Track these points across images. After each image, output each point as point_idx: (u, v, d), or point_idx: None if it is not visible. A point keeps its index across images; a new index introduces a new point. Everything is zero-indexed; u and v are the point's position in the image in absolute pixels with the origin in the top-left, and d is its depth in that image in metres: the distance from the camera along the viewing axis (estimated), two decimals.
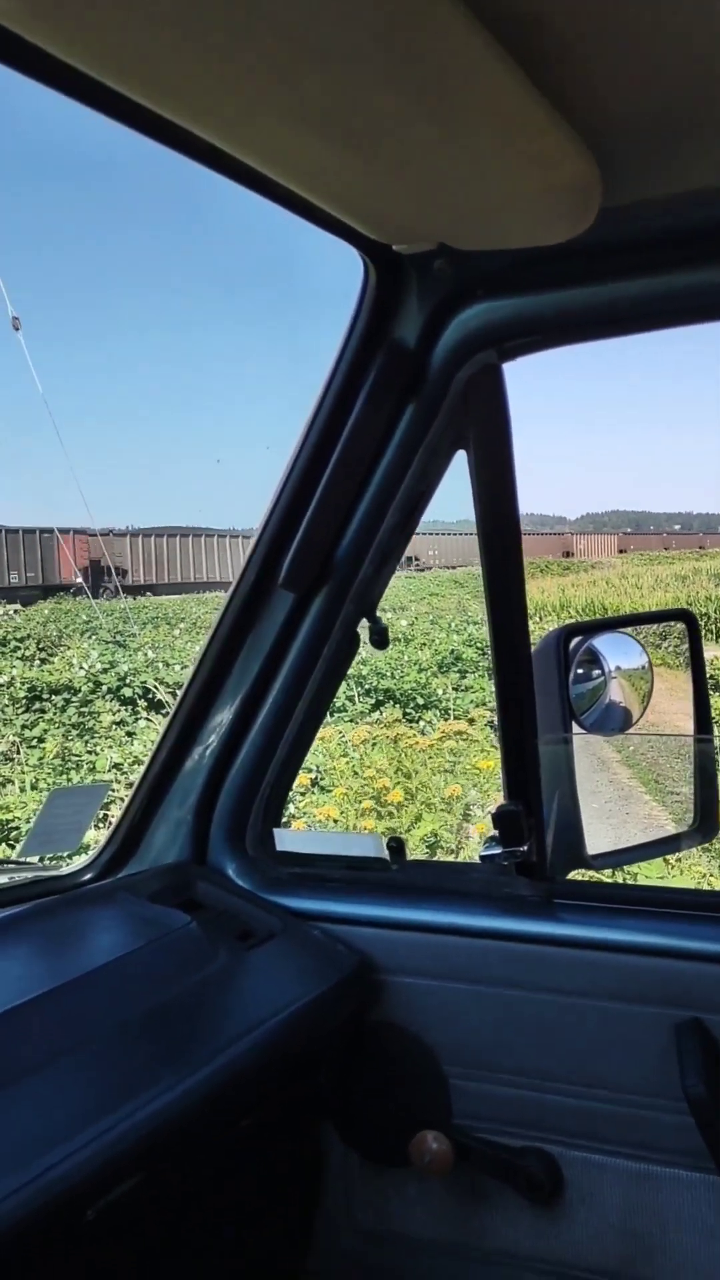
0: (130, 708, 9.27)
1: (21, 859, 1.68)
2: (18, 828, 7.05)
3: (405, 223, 1.20)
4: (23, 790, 7.61)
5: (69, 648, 10.85)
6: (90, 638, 11.34)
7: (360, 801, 5.86)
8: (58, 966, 1.39)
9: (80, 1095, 1.15)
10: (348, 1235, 1.60)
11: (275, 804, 1.70)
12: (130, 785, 6.04)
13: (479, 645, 10.68)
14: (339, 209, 1.15)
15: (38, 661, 10.67)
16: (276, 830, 1.70)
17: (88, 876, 1.70)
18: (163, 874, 1.66)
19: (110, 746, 8.31)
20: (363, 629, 1.61)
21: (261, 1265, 1.48)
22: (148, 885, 1.62)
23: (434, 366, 1.42)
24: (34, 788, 7.57)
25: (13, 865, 1.72)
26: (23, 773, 7.88)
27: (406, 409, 1.44)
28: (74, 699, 9.33)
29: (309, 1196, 1.56)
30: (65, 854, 1.74)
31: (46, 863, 1.73)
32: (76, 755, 8.09)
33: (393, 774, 6.13)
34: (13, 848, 6.88)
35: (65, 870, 1.72)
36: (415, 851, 5.32)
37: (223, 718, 1.65)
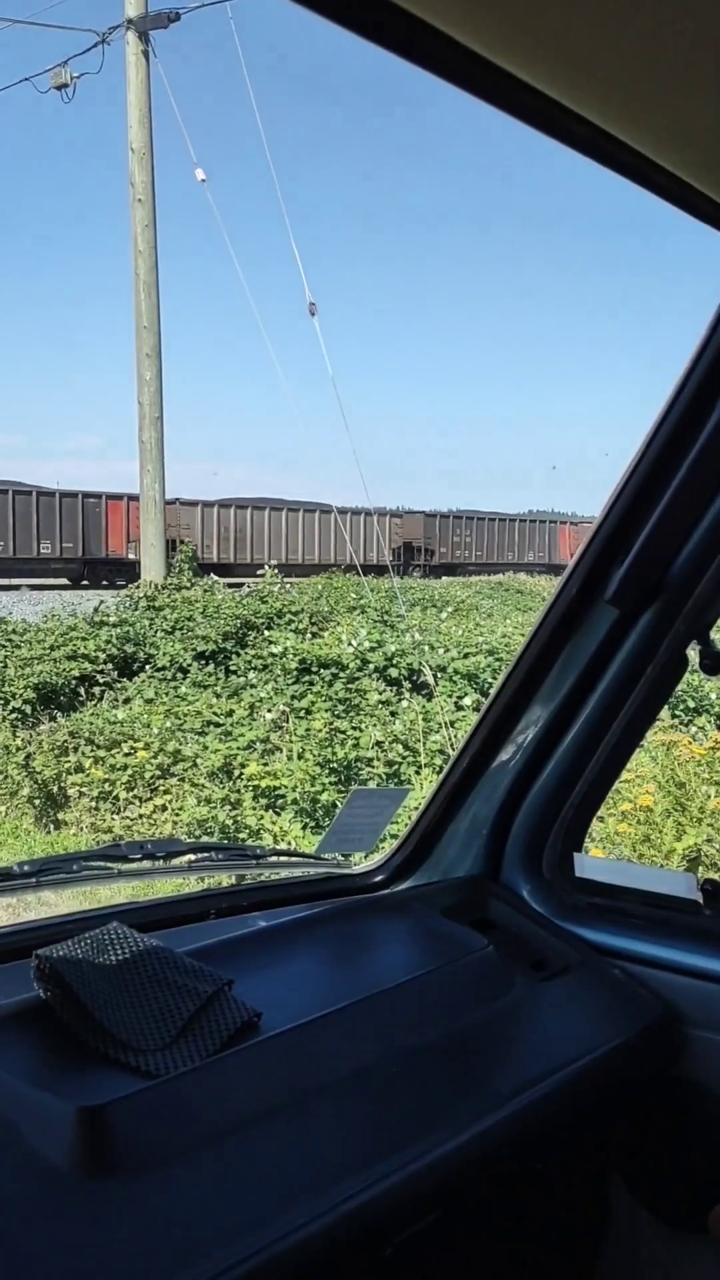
0: (395, 688, 9.40)
1: (317, 855, 1.70)
2: (283, 795, 7.35)
3: None
4: (289, 759, 7.90)
5: (338, 624, 11.16)
6: (359, 615, 11.61)
7: (618, 805, 5.63)
8: (356, 977, 1.38)
9: (380, 1119, 1.12)
10: None
11: (578, 827, 1.62)
12: (389, 764, 6.08)
13: None
14: (707, 184, 1.03)
15: (309, 635, 11.06)
16: (576, 855, 1.62)
17: (379, 878, 1.69)
18: (456, 888, 1.62)
19: (374, 724, 8.46)
20: (693, 651, 1.49)
21: None
22: (441, 898, 1.59)
23: None
24: (300, 757, 7.84)
25: (307, 859, 1.74)
26: (290, 742, 8.19)
27: None
28: (341, 675, 9.58)
29: (593, 1249, 1.48)
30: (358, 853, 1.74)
31: (338, 859, 1.74)
32: (342, 731, 8.29)
33: (663, 781, 5.84)
34: (279, 814, 7.19)
35: (356, 869, 1.72)
36: (670, 864, 5.04)
37: (529, 731, 1.58)
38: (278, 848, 5.06)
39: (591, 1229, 1.50)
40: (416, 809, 1.69)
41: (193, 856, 1.56)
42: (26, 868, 1.40)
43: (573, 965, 1.46)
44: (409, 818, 1.86)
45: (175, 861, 1.54)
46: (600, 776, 1.58)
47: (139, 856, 1.49)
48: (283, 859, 1.72)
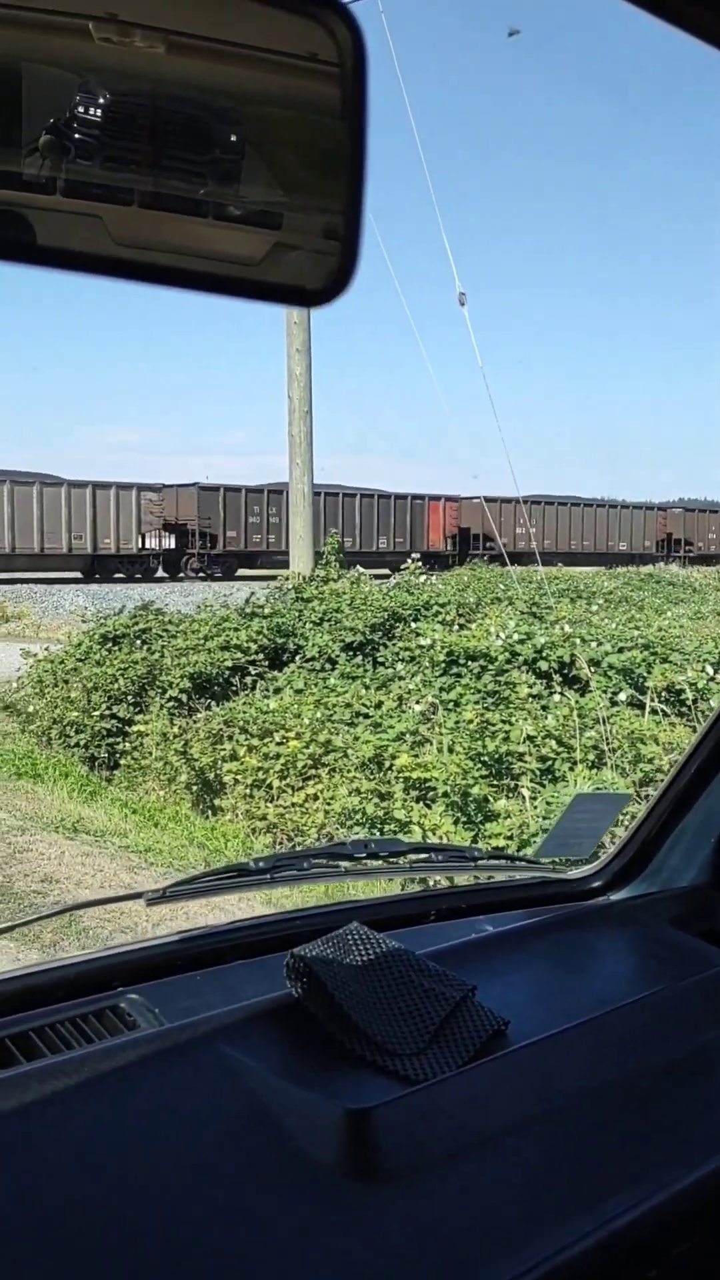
0: (545, 681, 9.26)
1: (533, 859, 1.68)
2: (434, 788, 7.34)
3: None
4: (440, 751, 7.89)
5: (486, 615, 11.07)
6: (508, 606, 11.49)
7: None
8: (595, 988, 1.35)
9: (637, 1136, 1.09)
10: None
11: None
12: (542, 760, 5.95)
13: None
14: None
15: (456, 627, 11.01)
16: None
17: (597, 884, 1.66)
18: (684, 898, 1.57)
19: (525, 718, 8.36)
20: None
21: None
22: (669, 908, 1.54)
23: None
24: (450, 750, 7.81)
25: (523, 863, 1.72)
26: (440, 734, 8.17)
27: None
28: (490, 667, 9.50)
29: None
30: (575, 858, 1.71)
31: (554, 864, 1.71)
32: (492, 724, 8.23)
33: None
34: (429, 807, 7.19)
35: (573, 875, 1.69)
36: None
37: None
38: (493, 850, 5.06)
39: None
40: (630, 815, 1.65)
41: (414, 857, 1.56)
42: (261, 864, 1.43)
43: None
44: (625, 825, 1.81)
45: (397, 862, 1.54)
46: None
47: (364, 856, 1.50)
48: (499, 862, 1.70)
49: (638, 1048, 1.22)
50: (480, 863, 1.65)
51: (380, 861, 1.52)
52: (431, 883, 1.79)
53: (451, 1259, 0.91)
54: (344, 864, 1.48)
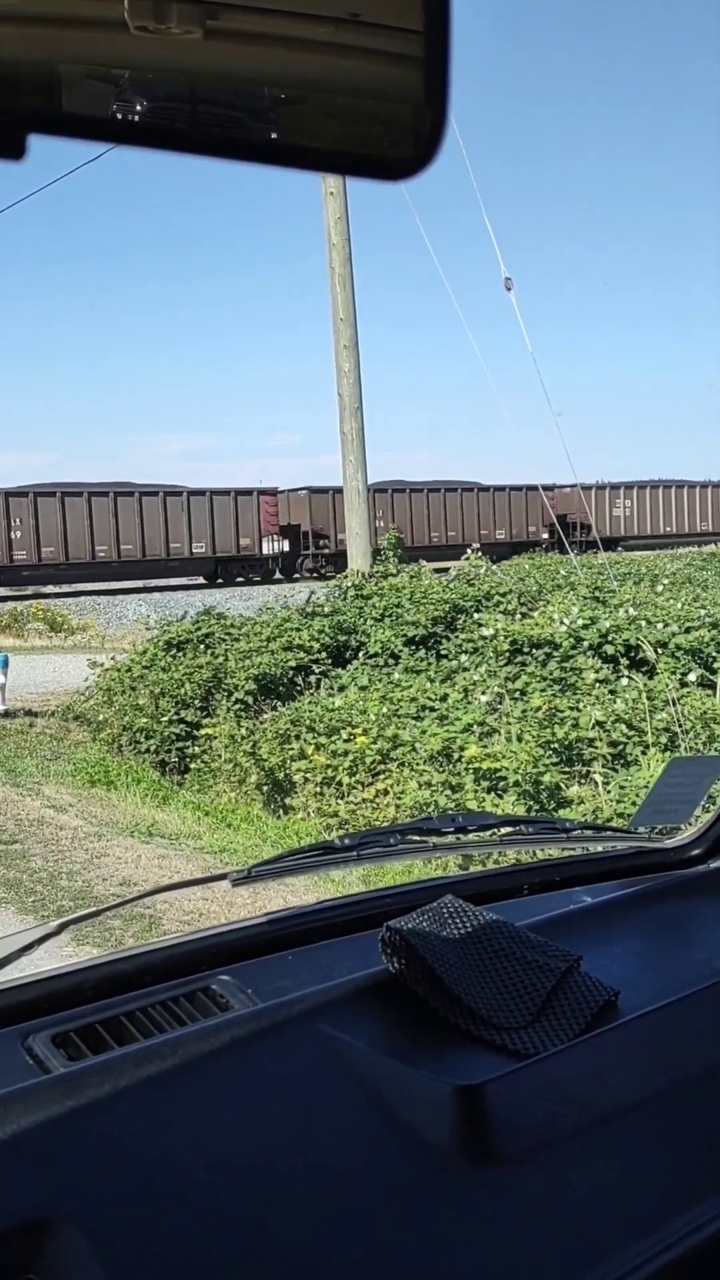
0: (612, 665, 9.11)
1: (628, 829, 1.61)
2: (504, 777, 7.26)
3: None
4: (508, 740, 7.80)
5: (549, 602, 10.93)
6: (570, 592, 11.34)
7: None
8: (703, 957, 1.28)
9: None
10: None
11: None
12: (613, 744, 5.88)
13: None
14: None
15: (519, 615, 10.89)
16: None
17: (696, 852, 1.59)
18: None
19: (593, 704, 8.24)
20: None
21: None
22: None
23: None
24: (519, 739, 7.72)
25: (618, 833, 1.66)
26: (508, 724, 8.08)
27: None
28: (555, 654, 9.39)
29: None
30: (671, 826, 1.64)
31: (649, 833, 1.64)
32: (560, 710, 8.12)
33: None
34: (501, 797, 7.11)
35: (669, 844, 1.62)
36: None
37: None
38: (586, 821, 4.98)
39: None
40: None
41: (504, 830, 1.50)
42: (348, 841, 1.39)
43: None
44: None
45: (485, 835, 1.49)
46: None
47: (451, 830, 1.45)
48: (592, 833, 1.64)
49: None
50: (573, 834, 1.60)
51: (469, 835, 1.47)
52: (523, 856, 1.73)
53: (581, 1241, 0.85)
54: (432, 839, 1.44)
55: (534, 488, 29.61)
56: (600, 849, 1.61)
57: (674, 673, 8.59)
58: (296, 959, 1.26)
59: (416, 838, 1.43)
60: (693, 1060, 1.06)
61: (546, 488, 29.40)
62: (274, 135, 0.51)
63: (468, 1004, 1.10)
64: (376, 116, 0.52)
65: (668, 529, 32.33)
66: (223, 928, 1.31)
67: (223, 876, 1.34)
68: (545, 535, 29.73)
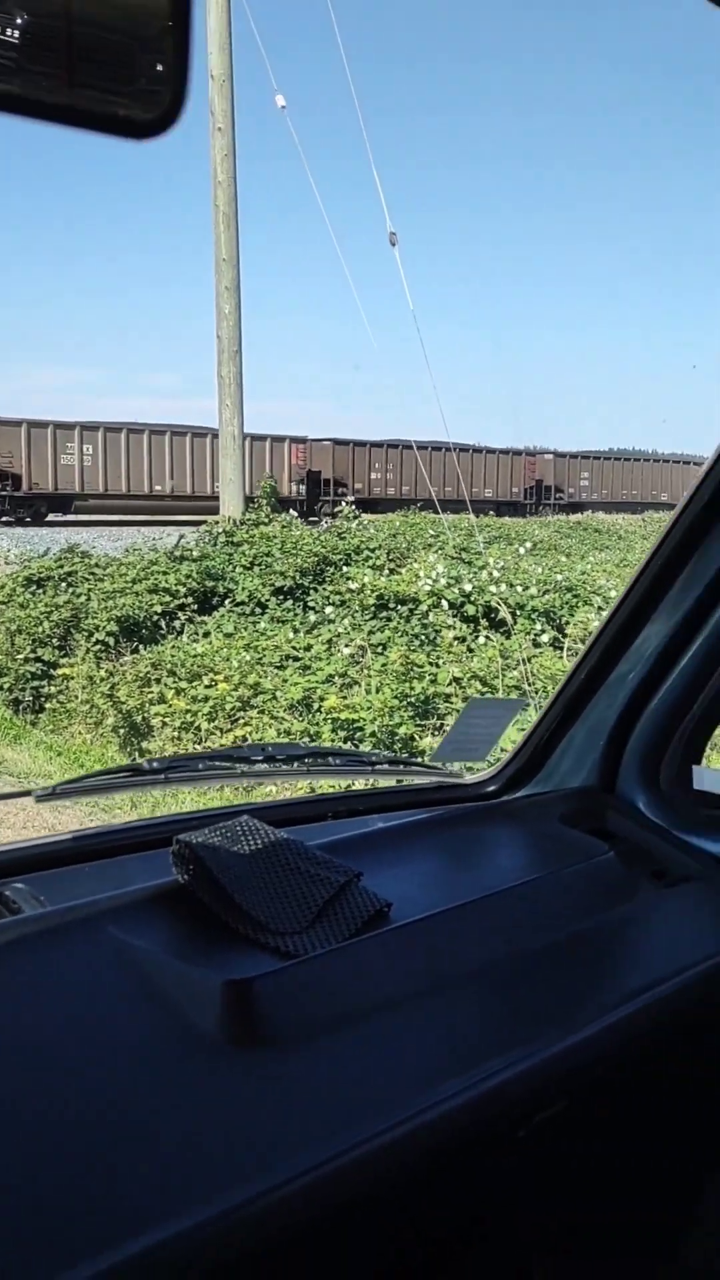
0: (472, 625, 9.37)
1: (431, 763, 1.71)
2: (361, 728, 7.42)
3: None
4: (367, 693, 7.96)
5: (416, 560, 11.12)
6: (435, 552, 11.54)
7: None
8: (482, 877, 1.39)
9: (514, 1009, 1.14)
10: None
11: (699, 740, 1.60)
12: (467, 700, 6.09)
13: None
14: None
15: (387, 571, 11.05)
16: (695, 768, 1.61)
17: (492, 788, 1.70)
18: (572, 797, 1.62)
19: (452, 660, 8.47)
20: None
21: (652, 1212, 1.44)
22: (558, 806, 1.59)
23: None
24: (377, 691, 7.88)
25: (422, 768, 1.75)
26: (368, 676, 8.24)
27: None
28: (418, 611, 9.59)
29: (709, 1152, 1.49)
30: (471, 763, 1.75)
31: (451, 769, 1.75)
32: (418, 665, 8.32)
33: None
34: (357, 746, 7.26)
35: (469, 779, 1.73)
36: None
37: (651, 644, 1.56)
38: (392, 755, 5.12)
39: (707, 1133, 1.51)
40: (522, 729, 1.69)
41: (311, 761, 1.58)
42: (155, 764, 1.44)
43: (694, 875, 1.46)
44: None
45: (294, 765, 1.56)
46: None
47: (260, 759, 1.52)
48: (397, 767, 1.73)
49: (520, 929, 1.26)
50: (379, 767, 1.69)
51: (277, 764, 1.54)
52: (336, 787, 1.82)
53: (321, 1118, 0.94)
54: (240, 766, 1.50)
55: (519, 452, 31.53)
56: (404, 782, 1.71)
57: (528, 634, 8.91)
58: (94, 871, 1.30)
59: (224, 764, 1.50)
60: (451, 965, 1.16)
61: (529, 453, 30.74)
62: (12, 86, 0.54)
63: (247, 911, 1.17)
64: (119, 72, 0.56)
65: (624, 495, 33.84)
66: (24, 842, 1.35)
67: (27, 793, 1.37)
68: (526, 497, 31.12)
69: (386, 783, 1.72)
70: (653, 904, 1.39)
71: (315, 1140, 0.91)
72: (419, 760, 1.87)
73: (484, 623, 9.47)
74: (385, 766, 1.68)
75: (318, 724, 7.56)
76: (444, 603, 9.61)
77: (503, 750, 1.75)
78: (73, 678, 8.77)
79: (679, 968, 1.26)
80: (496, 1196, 1.14)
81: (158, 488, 26.51)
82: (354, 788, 1.69)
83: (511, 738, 1.89)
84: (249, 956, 1.13)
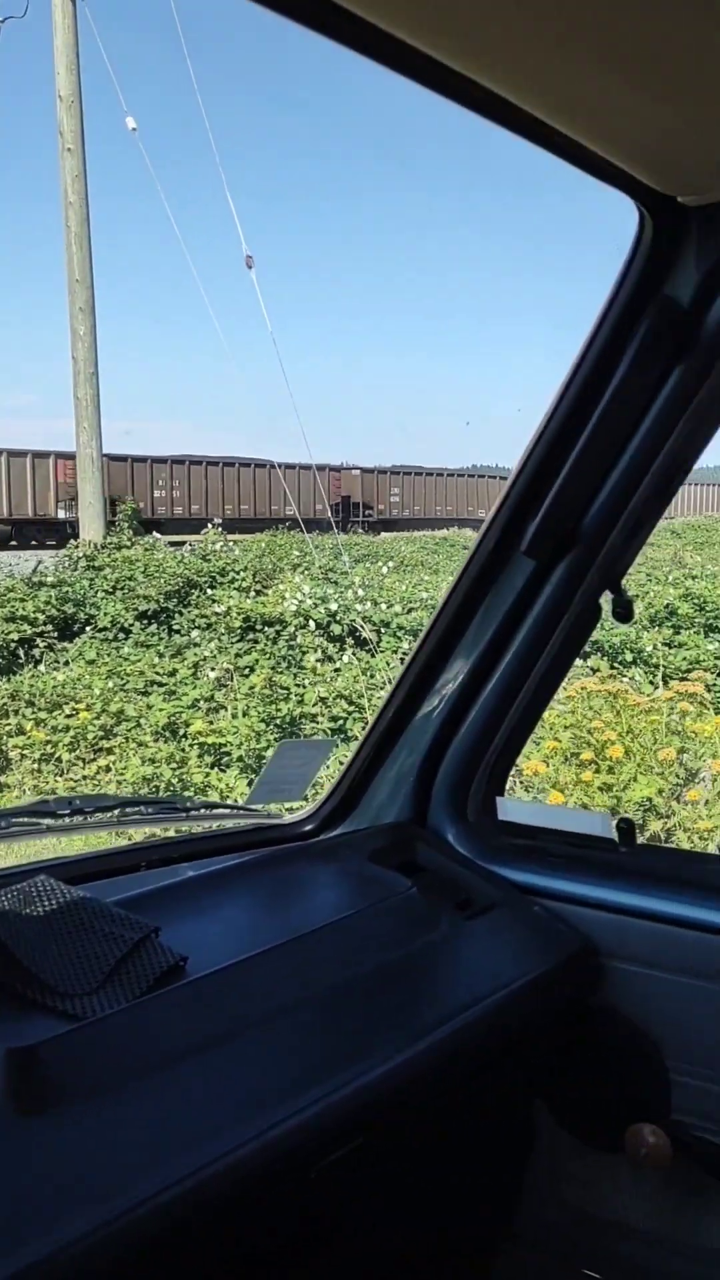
0: (338, 644, 9.44)
1: (248, 806, 1.73)
2: (229, 752, 7.38)
3: (698, 172, 1.10)
4: (234, 717, 7.93)
5: (282, 581, 11.15)
6: (302, 573, 11.60)
7: (572, 756, 5.72)
8: (284, 920, 1.42)
9: (303, 1054, 1.17)
10: (553, 1209, 1.59)
11: (500, 772, 1.67)
12: (334, 719, 6.10)
13: (697, 600, 10.18)
14: (623, 157, 1.06)
15: (253, 593, 11.03)
16: (499, 799, 1.67)
17: (309, 828, 1.73)
18: (383, 833, 1.66)
19: (317, 681, 8.52)
20: (605, 601, 1.54)
21: (467, 1230, 1.49)
22: (369, 843, 1.63)
23: (709, 326, 1.31)
24: (244, 715, 7.86)
25: (238, 811, 1.77)
26: (234, 700, 8.21)
27: (674, 370, 1.34)
28: (284, 632, 9.61)
29: (517, 1169, 1.55)
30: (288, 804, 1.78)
31: (269, 810, 1.77)
32: (285, 687, 8.34)
33: (622, 732, 5.94)
34: (225, 771, 7.22)
35: (287, 820, 1.75)
36: (624, 813, 5.17)
37: (452, 681, 1.62)
38: (208, 800, 5.10)
39: (515, 1150, 1.57)
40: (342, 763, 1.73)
41: (120, 811, 1.58)
42: None
43: (496, 903, 1.51)
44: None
45: (104, 816, 1.56)
46: (520, 723, 1.63)
47: (67, 812, 1.51)
48: (212, 811, 1.74)
49: (321, 970, 1.29)
50: (193, 813, 1.69)
51: (86, 817, 1.53)
52: (156, 834, 1.81)
53: (110, 1176, 0.95)
54: (45, 821, 1.49)
55: (323, 467, 30.77)
56: (222, 826, 1.72)
57: (395, 651, 9.04)
58: None
59: (30, 820, 1.48)
60: (249, 1011, 1.18)
61: (334, 469, 30.41)
62: None
63: (36, 974, 1.17)
64: None
65: (438, 511, 33.55)
66: None
67: None
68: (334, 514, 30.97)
69: (205, 827, 1.73)
70: (455, 935, 1.44)
71: (93, 1202, 0.91)
72: (236, 803, 1.88)
73: (349, 641, 9.56)
74: (201, 812, 1.69)
75: (184, 750, 7.48)
76: (311, 623, 9.66)
77: (316, 789, 1.78)
78: None
79: (475, 997, 1.31)
80: (291, 1235, 1.16)
81: None
82: (173, 834, 1.70)
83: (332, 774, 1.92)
84: (33, 1020, 1.13)
